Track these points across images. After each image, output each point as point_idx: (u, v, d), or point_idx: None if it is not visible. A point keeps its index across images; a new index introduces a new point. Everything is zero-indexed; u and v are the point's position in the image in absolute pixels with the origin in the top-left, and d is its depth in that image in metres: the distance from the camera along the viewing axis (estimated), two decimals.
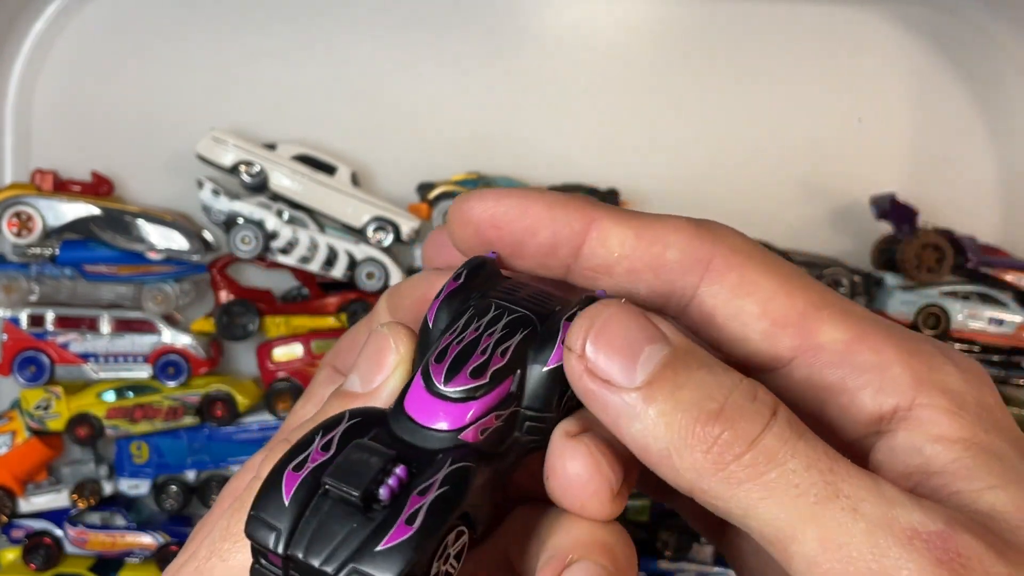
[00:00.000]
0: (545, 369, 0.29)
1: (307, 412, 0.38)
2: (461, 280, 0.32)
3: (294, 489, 0.26)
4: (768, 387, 0.29)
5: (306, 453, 0.27)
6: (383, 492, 0.26)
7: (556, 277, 0.33)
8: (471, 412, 0.28)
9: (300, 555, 0.25)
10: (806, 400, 0.31)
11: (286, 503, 0.26)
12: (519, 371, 0.29)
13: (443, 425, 0.28)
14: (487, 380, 0.29)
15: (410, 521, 0.25)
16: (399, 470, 0.27)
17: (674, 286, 0.32)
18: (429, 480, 0.26)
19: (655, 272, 0.32)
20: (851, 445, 0.30)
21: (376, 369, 0.32)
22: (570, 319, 0.29)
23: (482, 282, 0.32)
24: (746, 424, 0.27)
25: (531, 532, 0.33)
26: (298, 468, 0.27)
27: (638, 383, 0.28)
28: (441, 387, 0.28)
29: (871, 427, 0.30)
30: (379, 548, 0.25)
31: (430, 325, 0.31)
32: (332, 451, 0.27)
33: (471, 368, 0.29)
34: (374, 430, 0.28)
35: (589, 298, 0.30)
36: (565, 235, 0.32)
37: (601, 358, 0.28)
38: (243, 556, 0.29)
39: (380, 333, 0.32)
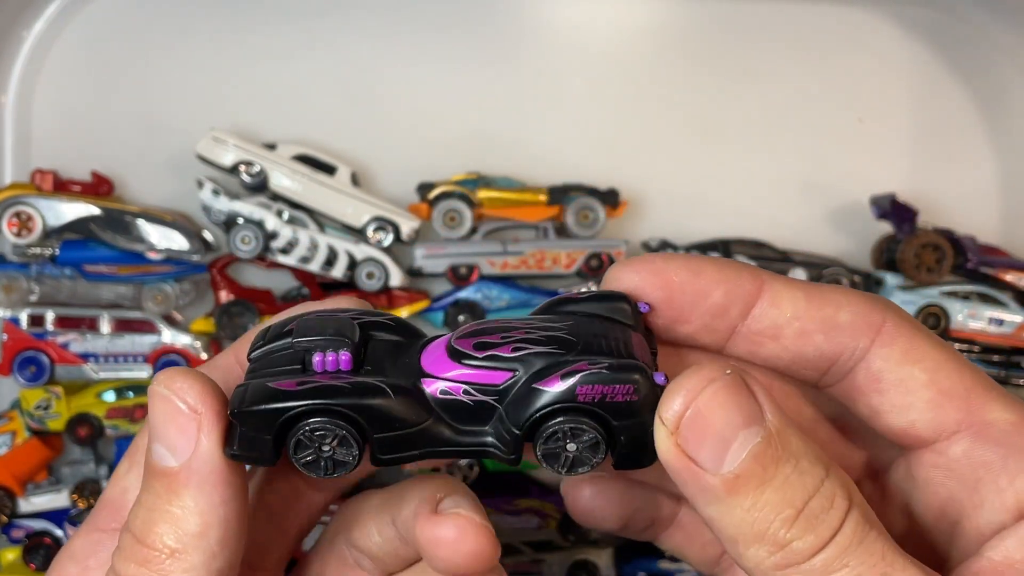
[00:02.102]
0: (534, 386, 0.29)
1: (129, 485, 0.36)
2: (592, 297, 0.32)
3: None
4: (923, 462, 0.30)
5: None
6: (315, 359, 0.29)
7: (720, 339, 0.32)
8: (449, 371, 0.29)
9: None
10: (962, 475, 0.30)
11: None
12: (518, 372, 0.29)
13: (424, 366, 0.30)
14: (479, 357, 0.29)
15: (302, 384, 0.28)
16: (343, 355, 0.29)
17: (844, 347, 0.31)
18: (358, 376, 0.29)
19: (826, 333, 0.31)
20: (1001, 526, 0.30)
21: (181, 438, 0.29)
22: (591, 380, 0.28)
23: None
24: (814, 537, 0.27)
25: (372, 508, 0.34)
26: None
27: (725, 472, 0.28)
28: (452, 340, 0.30)
29: None
30: (271, 383, 0.28)
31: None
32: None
33: (480, 341, 0.29)
34: (396, 336, 0.31)
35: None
36: (738, 295, 0.32)
37: (692, 439, 0.28)
38: None
39: (160, 396, 0.30)
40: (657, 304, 0.32)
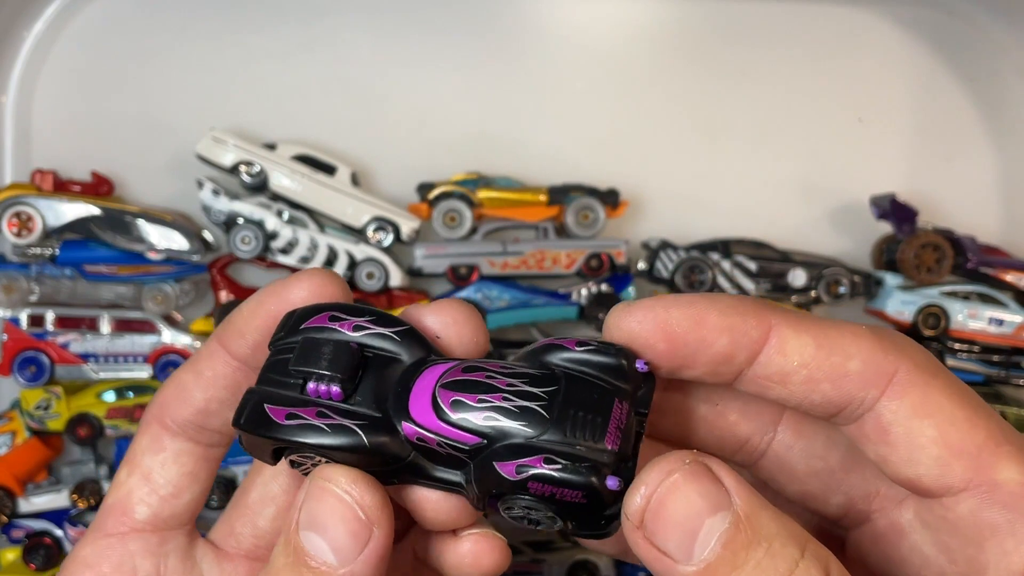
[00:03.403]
0: (494, 464, 0.29)
1: (133, 487, 0.36)
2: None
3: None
4: (931, 511, 0.29)
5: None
6: (309, 386, 0.30)
7: (727, 380, 0.32)
8: (426, 422, 0.29)
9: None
10: (967, 533, 0.30)
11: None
12: (484, 442, 0.29)
13: (410, 405, 0.30)
14: (453, 418, 0.29)
15: (290, 417, 0.29)
16: (334, 388, 0.30)
17: (852, 397, 0.30)
18: (347, 404, 0.30)
19: (834, 383, 0.30)
20: None
21: (350, 541, 0.30)
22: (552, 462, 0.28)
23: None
24: None
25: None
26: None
27: (694, 563, 0.27)
28: (436, 387, 0.30)
29: None
30: (267, 406, 0.30)
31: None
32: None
33: (458, 399, 0.29)
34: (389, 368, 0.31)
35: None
36: (743, 343, 0.31)
37: (659, 532, 0.28)
38: None
39: (333, 495, 0.30)
40: (660, 354, 0.31)
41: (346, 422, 0.29)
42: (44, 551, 1.05)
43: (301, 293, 0.34)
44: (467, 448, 0.29)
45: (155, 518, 0.37)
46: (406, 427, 0.30)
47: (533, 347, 0.32)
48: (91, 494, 1.06)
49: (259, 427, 0.30)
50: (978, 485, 0.29)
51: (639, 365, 0.30)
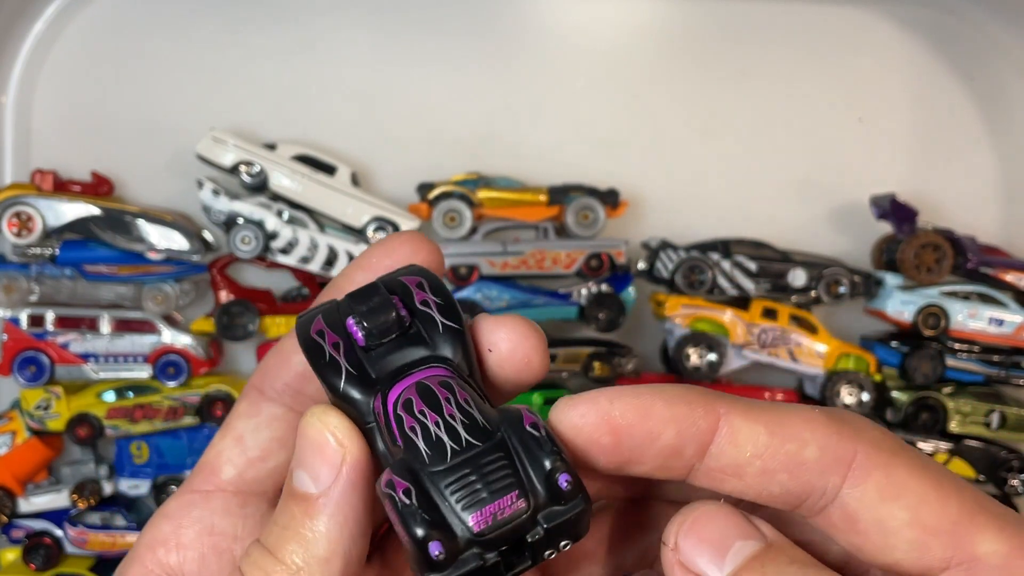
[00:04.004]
0: (387, 469, 0.30)
1: (224, 448, 0.37)
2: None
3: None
4: None
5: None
6: (349, 319, 0.32)
7: (679, 476, 0.31)
8: (390, 403, 0.31)
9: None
10: None
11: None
12: (404, 448, 0.30)
13: (390, 389, 0.32)
14: (399, 411, 0.31)
15: (319, 335, 0.32)
16: (358, 333, 0.32)
17: (813, 487, 0.29)
18: (349, 353, 0.32)
19: (792, 472, 0.29)
20: None
21: (323, 468, 0.31)
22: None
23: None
24: None
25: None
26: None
27: (725, 574, 0.28)
28: (419, 380, 0.32)
29: None
30: (314, 315, 0.33)
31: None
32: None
33: (409, 400, 0.31)
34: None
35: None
36: (691, 435, 0.30)
37: (690, 548, 0.28)
38: None
39: (312, 426, 0.32)
40: (605, 449, 0.30)
41: (343, 363, 0.31)
42: (44, 551, 1.05)
43: (404, 249, 0.35)
44: (392, 444, 0.31)
45: (239, 479, 0.37)
46: (378, 399, 0.31)
47: (508, 406, 0.32)
48: (91, 494, 1.06)
49: (303, 328, 0.33)
50: (959, 563, 0.29)
51: (561, 480, 0.29)
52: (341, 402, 0.32)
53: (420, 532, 0.28)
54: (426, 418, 0.30)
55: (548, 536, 0.29)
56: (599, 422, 0.30)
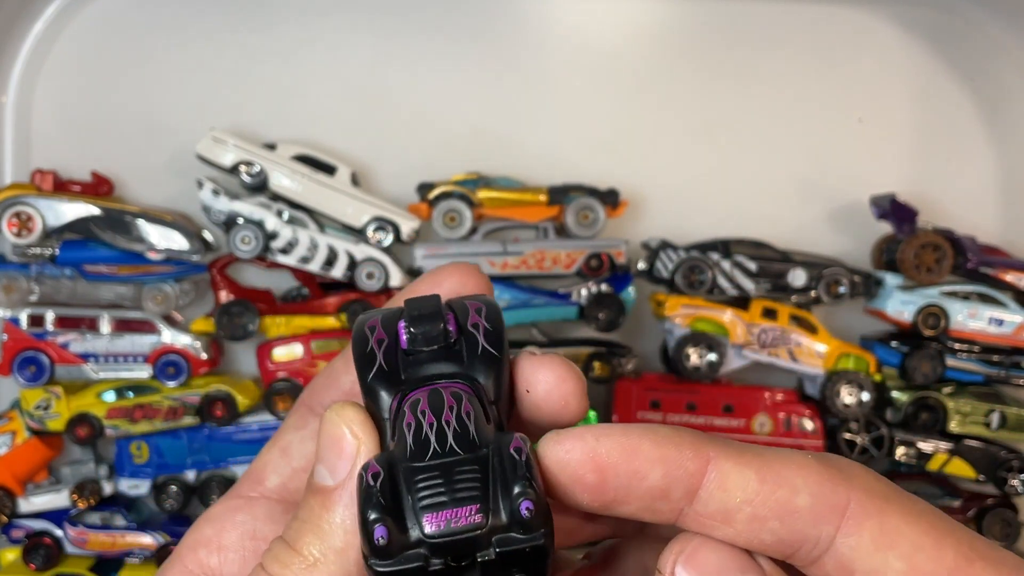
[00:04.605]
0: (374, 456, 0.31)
1: (271, 458, 0.38)
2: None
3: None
4: None
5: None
6: (400, 321, 0.33)
7: (667, 519, 0.30)
8: (403, 400, 0.32)
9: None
10: None
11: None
12: (396, 440, 0.31)
13: (411, 391, 0.33)
14: (404, 406, 0.32)
15: (370, 330, 0.34)
16: (404, 335, 0.33)
17: (806, 535, 0.29)
18: (391, 352, 0.33)
19: (783, 520, 0.29)
20: None
21: (340, 461, 0.32)
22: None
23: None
24: None
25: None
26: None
27: None
28: (436, 385, 0.33)
29: None
30: (373, 316, 0.35)
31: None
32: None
33: (423, 405, 0.31)
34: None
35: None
36: (678, 477, 0.29)
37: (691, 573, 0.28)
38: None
39: (331, 421, 0.32)
40: (589, 486, 0.30)
41: (379, 358, 0.33)
42: (44, 551, 1.05)
43: (453, 279, 0.36)
44: (393, 439, 0.32)
45: (283, 488, 0.38)
46: (397, 398, 0.32)
47: (509, 431, 0.32)
48: (91, 494, 1.06)
49: (361, 324, 0.34)
50: None
51: (523, 506, 0.29)
52: (366, 395, 0.33)
53: (371, 515, 0.29)
54: (423, 418, 0.31)
55: (501, 561, 0.29)
56: (584, 459, 0.29)
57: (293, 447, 0.38)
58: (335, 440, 0.32)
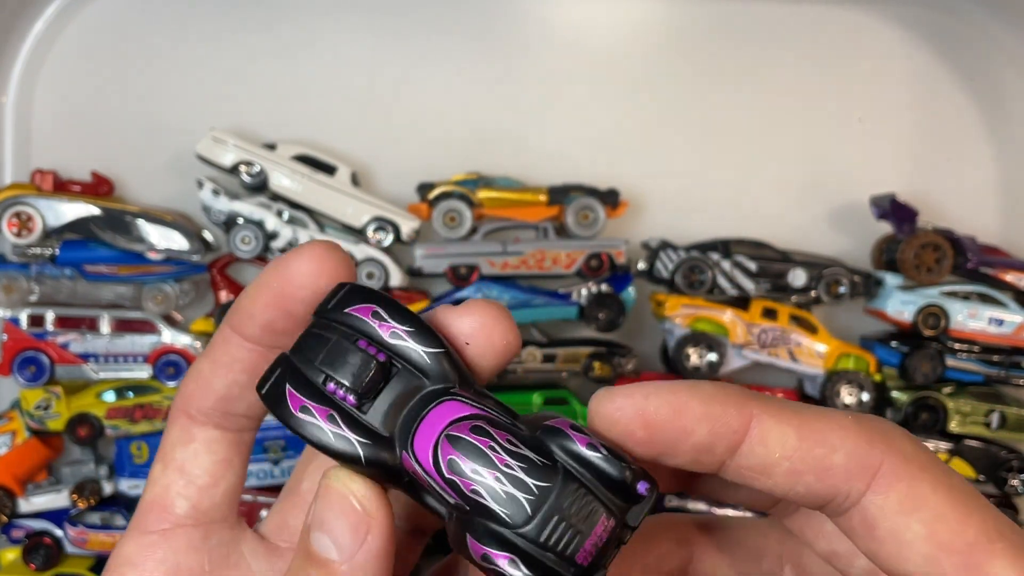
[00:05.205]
0: (466, 534, 0.29)
1: (170, 481, 0.36)
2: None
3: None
4: None
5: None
6: (329, 386, 0.30)
7: (711, 469, 0.32)
8: (425, 464, 0.30)
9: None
10: None
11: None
12: (462, 511, 0.30)
13: (416, 438, 0.30)
14: (446, 476, 0.30)
15: (303, 411, 0.30)
16: (351, 398, 0.30)
17: (837, 490, 0.30)
18: (349, 420, 0.30)
19: (818, 475, 0.30)
20: None
21: (349, 537, 0.31)
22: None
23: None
24: None
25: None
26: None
27: None
28: (443, 433, 0.30)
29: None
30: (288, 387, 0.31)
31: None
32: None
33: (454, 459, 0.30)
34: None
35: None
36: (723, 434, 0.30)
37: None
38: None
39: (338, 492, 0.31)
40: (639, 441, 0.31)
41: (350, 435, 0.30)
42: (44, 551, 1.05)
43: (303, 268, 0.33)
44: (451, 502, 0.30)
45: (195, 511, 0.36)
46: (405, 458, 0.30)
47: (542, 422, 0.31)
48: (91, 494, 1.06)
49: (276, 406, 0.31)
50: None
51: (640, 487, 0.30)
52: (362, 469, 0.30)
53: None
54: (483, 476, 0.29)
55: (628, 531, 0.30)
56: (634, 416, 0.30)
57: (188, 464, 0.36)
58: (342, 512, 0.31)
